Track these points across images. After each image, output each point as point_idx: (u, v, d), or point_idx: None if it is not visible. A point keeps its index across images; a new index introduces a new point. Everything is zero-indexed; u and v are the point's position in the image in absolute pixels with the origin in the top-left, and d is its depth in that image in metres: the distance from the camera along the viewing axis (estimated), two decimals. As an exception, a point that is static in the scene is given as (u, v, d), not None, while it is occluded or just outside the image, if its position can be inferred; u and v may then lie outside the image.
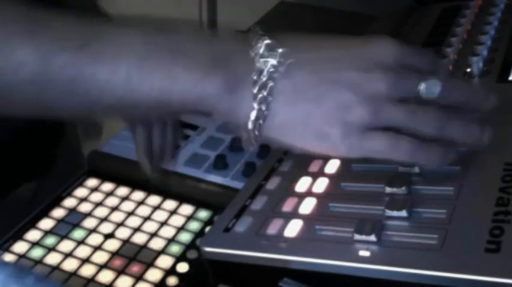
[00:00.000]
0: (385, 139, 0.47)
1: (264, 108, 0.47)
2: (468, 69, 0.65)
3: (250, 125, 0.47)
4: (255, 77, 0.47)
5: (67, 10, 0.47)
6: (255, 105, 0.47)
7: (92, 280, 0.57)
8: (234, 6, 1.35)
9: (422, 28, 0.79)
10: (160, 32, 0.48)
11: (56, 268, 0.58)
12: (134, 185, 0.67)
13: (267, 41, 0.48)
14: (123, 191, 0.67)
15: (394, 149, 0.47)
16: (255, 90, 0.47)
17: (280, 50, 0.47)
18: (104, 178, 0.68)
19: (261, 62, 0.47)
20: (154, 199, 0.66)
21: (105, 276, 0.57)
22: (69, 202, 0.66)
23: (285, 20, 1.04)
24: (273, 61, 0.47)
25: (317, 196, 0.52)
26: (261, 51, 0.47)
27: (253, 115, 0.47)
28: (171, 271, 0.58)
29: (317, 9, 1.08)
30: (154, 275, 0.58)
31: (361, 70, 0.48)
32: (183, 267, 0.58)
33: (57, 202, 0.65)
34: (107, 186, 0.68)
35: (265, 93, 0.47)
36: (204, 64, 0.47)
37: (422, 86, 0.48)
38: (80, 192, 0.67)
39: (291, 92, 0.47)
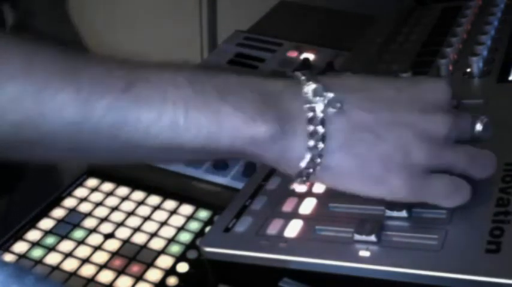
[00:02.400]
0: (446, 185, 0.46)
1: (320, 147, 0.44)
2: (468, 69, 0.65)
3: (303, 165, 0.45)
4: (309, 114, 0.44)
5: (103, 55, 0.44)
6: (310, 144, 0.44)
7: (92, 280, 0.57)
8: (234, 6, 1.36)
9: (422, 28, 0.79)
10: (206, 72, 0.46)
11: (56, 268, 0.58)
12: (134, 185, 0.67)
13: (316, 82, 0.45)
14: (123, 191, 0.67)
15: (455, 196, 0.46)
16: (311, 128, 0.44)
17: (332, 91, 0.45)
18: (104, 178, 0.68)
19: (314, 100, 0.45)
20: (154, 199, 0.66)
21: (105, 276, 0.58)
22: (69, 202, 0.66)
23: (285, 20, 1.05)
24: (326, 99, 0.45)
25: (317, 196, 0.52)
26: (313, 89, 0.45)
27: (308, 155, 0.45)
28: (171, 271, 0.58)
29: (317, 9, 1.08)
30: (154, 275, 0.58)
31: (418, 111, 0.46)
32: (183, 267, 0.58)
33: (57, 202, 0.66)
34: (107, 186, 0.68)
35: (321, 131, 0.44)
36: (255, 103, 0.45)
37: (478, 127, 0.47)
38: (80, 192, 0.67)
39: (347, 133, 0.45)
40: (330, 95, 0.45)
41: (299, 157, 0.45)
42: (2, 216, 0.75)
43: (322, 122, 0.44)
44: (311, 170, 0.45)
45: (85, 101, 0.42)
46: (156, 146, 0.44)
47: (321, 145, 0.44)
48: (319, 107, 0.45)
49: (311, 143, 0.44)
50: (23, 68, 0.41)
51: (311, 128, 0.44)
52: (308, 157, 0.45)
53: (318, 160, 0.45)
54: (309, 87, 0.45)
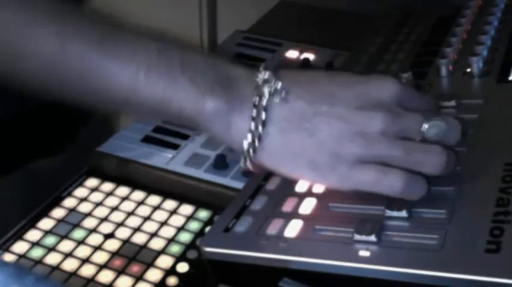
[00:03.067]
0: (374, 173, 0.48)
1: (259, 131, 0.49)
2: (468, 69, 0.65)
3: (245, 146, 0.50)
4: (255, 100, 0.49)
5: (93, 10, 0.52)
6: (252, 127, 0.49)
7: (92, 280, 0.57)
8: (234, 6, 1.35)
9: (422, 28, 0.79)
10: (176, 45, 0.51)
11: (56, 268, 0.58)
12: (134, 185, 0.67)
13: (269, 73, 0.50)
14: (123, 191, 0.67)
15: (383, 183, 0.48)
16: (254, 113, 0.49)
17: (281, 81, 0.50)
18: (104, 178, 0.68)
19: (263, 88, 0.50)
20: (154, 199, 0.66)
21: (105, 276, 0.58)
22: (69, 202, 0.66)
23: (285, 20, 1.05)
24: (273, 88, 0.49)
25: (317, 196, 0.52)
26: (264, 79, 0.50)
27: (249, 137, 0.49)
28: (171, 271, 0.58)
29: (317, 9, 1.08)
30: (154, 275, 0.58)
31: (357, 107, 0.49)
32: (183, 267, 0.58)
33: (57, 202, 0.66)
34: (107, 186, 0.68)
35: (262, 118, 0.49)
36: (210, 80, 0.50)
37: (425, 127, 0.49)
38: (80, 192, 0.67)
39: (287, 120, 0.50)
40: (278, 84, 0.50)
41: (242, 136, 0.50)
42: (52, 174, 0.76)
43: (265, 109, 0.49)
44: (251, 152, 0.50)
45: (62, 42, 0.49)
46: (117, 97, 0.50)
47: (260, 129, 0.49)
48: (265, 95, 0.49)
49: (252, 125, 0.49)
50: (17, 1, 0.49)
51: (254, 112, 0.49)
52: (249, 137, 0.50)
53: (257, 142, 0.50)
54: (261, 76, 0.50)
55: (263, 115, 0.49)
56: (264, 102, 0.49)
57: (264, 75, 0.50)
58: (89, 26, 0.50)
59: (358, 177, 0.49)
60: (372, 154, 0.49)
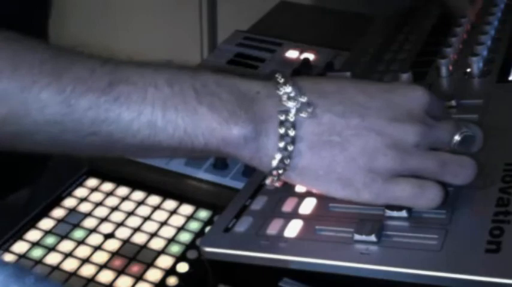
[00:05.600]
0: (411, 187, 0.47)
1: (289, 149, 0.47)
2: (468, 69, 0.65)
3: (274, 164, 0.47)
4: (281, 118, 0.46)
5: (90, 53, 0.47)
6: (281, 145, 0.47)
7: (92, 280, 0.57)
8: (234, 6, 1.36)
9: (422, 28, 0.79)
10: (185, 73, 0.48)
11: (56, 268, 0.58)
12: (134, 185, 0.67)
13: (292, 87, 0.47)
14: (123, 191, 0.67)
15: (420, 198, 0.47)
16: (282, 131, 0.46)
17: (306, 95, 0.47)
18: (104, 178, 0.68)
19: (288, 103, 0.47)
20: (154, 199, 0.66)
21: (105, 276, 0.58)
22: (69, 202, 0.66)
23: (285, 20, 1.05)
24: (299, 103, 0.47)
25: (317, 196, 0.52)
26: (287, 92, 0.47)
27: (278, 156, 0.47)
28: (171, 271, 0.58)
29: (317, 9, 1.08)
30: (154, 275, 0.58)
31: (389, 119, 0.47)
32: (183, 267, 0.58)
33: (57, 202, 0.66)
34: (107, 186, 0.68)
35: (291, 134, 0.46)
36: (230, 104, 0.47)
37: (456, 138, 0.48)
38: (80, 192, 0.67)
39: (316, 136, 0.47)
40: (303, 99, 0.47)
41: (271, 156, 0.47)
42: (24, 204, 0.75)
43: (293, 126, 0.47)
44: (281, 171, 0.47)
45: (67, 99, 0.45)
46: (134, 143, 0.47)
47: (290, 147, 0.47)
48: (291, 111, 0.47)
49: (281, 144, 0.47)
50: (10, 66, 0.44)
51: (282, 130, 0.46)
52: (278, 157, 0.47)
53: (288, 161, 0.47)
54: (284, 91, 0.47)
55: (291, 132, 0.46)
56: (291, 118, 0.46)
57: (285, 89, 0.47)
58: (90, 73, 0.46)
59: (394, 193, 0.47)
60: (407, 168, 0.47)
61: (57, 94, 0.45)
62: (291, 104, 0.47)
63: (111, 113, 0.45)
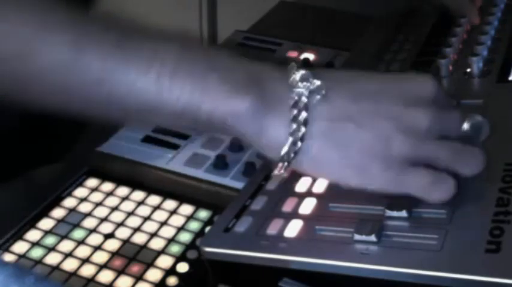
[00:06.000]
0: (426, 177, 0.46)
1: (301, 132, 0.45)
2: (468, 69, 0.65)
3: (285, 149, 0.45)
4: (295, 98, 0.45)
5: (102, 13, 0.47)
6: (293, 128, 0.45)
7: (92, 280, 0.57)
8: (234, 6, 1.36)
9: (422, 28, 0.79)
10: (199, 45, 0.47)
11: (56, 268, 0.58)
12: (134, 185, 0.67)
13: (305, 71, 0.46)
14: (123, 191, 0.67)
15: (434, 189, 0.46)
16: (294, 112, 0.45)
17: (319, 79, 0.46)
18: (104, 178, 0.68)
19: (300, 85, 0.46)
20: (154, 199, 0.66)
21: (105, 276, 0.58)
22: (69, 202, 0.66)
23: (285, 20, 1.05)
24: (313, 85, 0.46)
25: (317, 196, 0.52)
26: (301, 74, 0.46)
27: (289, 139, 0.45)
28: (171, 271, 0.58)
29: (317, 9, 1.08)
30: (154, 275, 0.58)
31: (401, 104, 0.47)
32: (183, 267, 0.58)
33: (57, 202, 0.66)
34: (107, 186, 0.68)
35: (304, 116, 0.45)
36: (242, 78, 0.46)
37: (466, 126, 0.48)
38: (80, 192, 0.67)
39: (329, 120, 0.46)
40: (317, 82, 0.46)
41: (280, 139, 0.45)
42: (52, 176, 0.74)
43: (306, 108, 0.45)
44: (292, 155, 0.45)
45: (77, 47, 0.44)
46: (137, 102, 0.45)
47: (302, 129, 0.45)
48: (304, 92, 0.45)
49: (293, 126, 0.45)
50: (30, 6, 0.44)
51: (294, 112, 0.45)
52: (290, 140, 0.45)
53: (299, 144, 0.45)
54: (298, 73, 0.46)
55: (304, 114, 0.45)
56: (304, 100, 0.45)
57: (300, 71, 0.46)
58: (103, 31, 0.45)
59: (409, 181, 0.46)
60: (421, 154, 0.46)
61: (67, 41, 0.44)
62: (304, 86, 0.46)
63: (120, 66, 0.44)
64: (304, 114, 0.45)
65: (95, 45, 0.44)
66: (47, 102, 0.47)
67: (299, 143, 0.45)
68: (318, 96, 0.46)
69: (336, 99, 0.46)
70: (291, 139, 0.45)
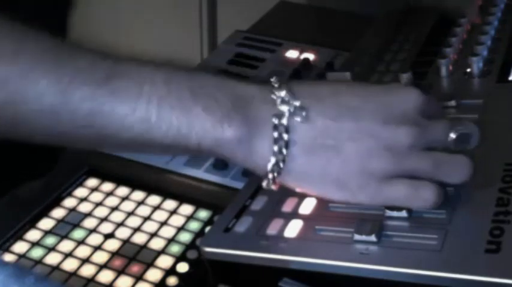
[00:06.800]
0: (405, 188, 0.47)
1: (284, 152, 0.47)
2: (468, 69, 0.65)
3: (269, 168, 0.47)
4: (275, 121, 0.47)
5: (91, 48, 0.47)
6: (275, 149, 0.47)
7: (92, 280, 0.57)
8: (234, 6, 1.36)
9: (422, 28, 0.79)
10: (182, 73, 0.48)
11: (56, 268, 0.58)
12: (134, 185, 0.67)
13: (286, 91, 0.47)
14: (123, 191, 0.67)
15: (415, 198, 0.47)
16: (276, 135, 0.47)
17: (299, 100, 0.47)
18: (104, 178, 0.68)
19: (282, 107, 0.47)
20: (154, 199, 0.66)
21: (105, 276, 0.57)
22: (69, 202, 0.66)
23: (285, 20, 1.05)
24: (292, 107, 0.47)
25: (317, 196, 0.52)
26: (281, 97, 0.47)
27: (272, 159, 0.47)
28: (171, 271, 0.58)
29: (317, 9, 1.08)
30: (154, 275, 0.58)
31: (383, 121, 0.47)
32: (183, 267, 0.58)
33: (57, 202, 0.65)
34: (107, 186, 0.68)
35: (285, 138, 0.47)
36: (225, 106, 0.47)
37: (451, 137, 0.48)
38: (80, 192, 0.67)
39: (311, 139, 0.47)
40: (297, 103, 0.47)
41: (265, 160, 0.47)
42: (29, 201, 0.75)
43: (287, 129, 0.47)
44: (276, 174, 0.48)
45: (64, 89, 0.45)
46: (128, 138, 0.47)
47: (284, 151, 0.47)
48: (285, 115, 0.47)
49: (275, 148, 0.47)
50: (12, 52, 0.45)
51: (276, 134, 0.47)
52: (273, 160, 0.47)
53: (282, 165, 0.47)
54: (278, 94, 0.47)
55: (285, 136, 0.47)
56: (285, 122, 0.47)
57: (279, 93, 0.47)
58: (89, 65, 0.46)
59: (389, 194, 0.47)
60: (401, 169, 0.47)
61: (55, 83, 0.45)
62: (284, 108, 0.47)
63: (106, 107, 0.45)
64: (285, 136, 0.47)
65: (82, 83, 0.45)
66: (38, 140, 0.48)
67: (281, 164, 0.47)
68: (298, 119, 0.47)
69: (317, 119, 0.47)
70: (274, 159, 0.47)
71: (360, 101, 0.49)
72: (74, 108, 0.45)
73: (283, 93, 0.47)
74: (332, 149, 0.47)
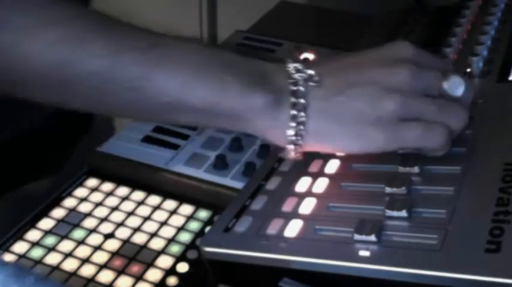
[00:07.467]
0: (421, 126, 0.51)
1: (302, 115, 0.51)
2: (468, 69, 0.65)
3: (291, 133, 0.51)
4: (293, 88, 0.51)
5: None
6: (294, 113, 0.51)
7: (92, 280, 0.57)
8: (234, 6, 1.35)
9: (422, 28, 0.79)
10: (212, 48, 0.54)
11: (56, 268, 0.58)
12: (134, 185, 0.67)
13: (299, 63, 0.53)
14: (123, 191, 0.67)
15: (429, 137, 0.51)
16: (293, 100, 0.51)
17: (311, 68, 0.52)
18: (104, 178, 0.68)
19: (296, 75, 0.52)
20: (154, 199, 0.66)
21: (105, 276, 0.58)
22: (69, 202, 0.66)
23: (285, 20, 1.05)
24: (306, 74, 0.52)
25: (317, 196, 0.52)
26: (295, 67, 0.52)
27: (292, 124, 0.51)
28: (171, 271, 0.58)
29: (317, 9, 1.08)
30: (154, 275, 0.58)
31: (381, 66, 0.52)
32: (183, 267, 0.58)
33: (57, 202, 0.66)
34: (107, 186, 0.68)
35: (302, 102, 0.51)
36: (251, 77, 0.51)
37: (445, 84, 0.52)
38: (80, 192, 0.67)
39: (324, 100, 0.51)
40: (309, 71, 0.52)
41: (285, 126, 0.51)
42: (36, 198, 0.75)
43: (303, 94, 0.51)
44: (299, 137, 0.51)
45: (113, 53, 0.49)
46: (166, 102, 0.50)
47: (302, 114, 0.51)
48: (300, 81, 0.52)
49: (294, 112, 0.51)
50: (69, 16, 0.49)
51: (294, 99, 0.51)
52: (293, 125, 0.51)
53: (302, 127, 0.51)
54: (293, 65, 0.53)
55: (301, 101, 0.51)
56: (301, 88, 0.51)
57: (293, 64, 0.52)
58: (133, 35, 0.50)
59: (405, 134, 0.51)
60: (410, 110, 0.51)
61: (104, 47, 0.48)
62: (299, 76, 0.52)
63: (149, 72, 0.49)
64: (302, 100, 0.51)
65: (128, 50, 0.49)
66: (78, 105, 0.52)
67: (302, 126, 0.51)
68: (312, 83, 0.52)
69: (327, 81, 0.52)
70: (294, 124, 0.51)
71: (361, 58, 0.54)
72: (120, 72, 0.49)
73: (296, 64, 0.52)
74: (344, 104, 0.51)
